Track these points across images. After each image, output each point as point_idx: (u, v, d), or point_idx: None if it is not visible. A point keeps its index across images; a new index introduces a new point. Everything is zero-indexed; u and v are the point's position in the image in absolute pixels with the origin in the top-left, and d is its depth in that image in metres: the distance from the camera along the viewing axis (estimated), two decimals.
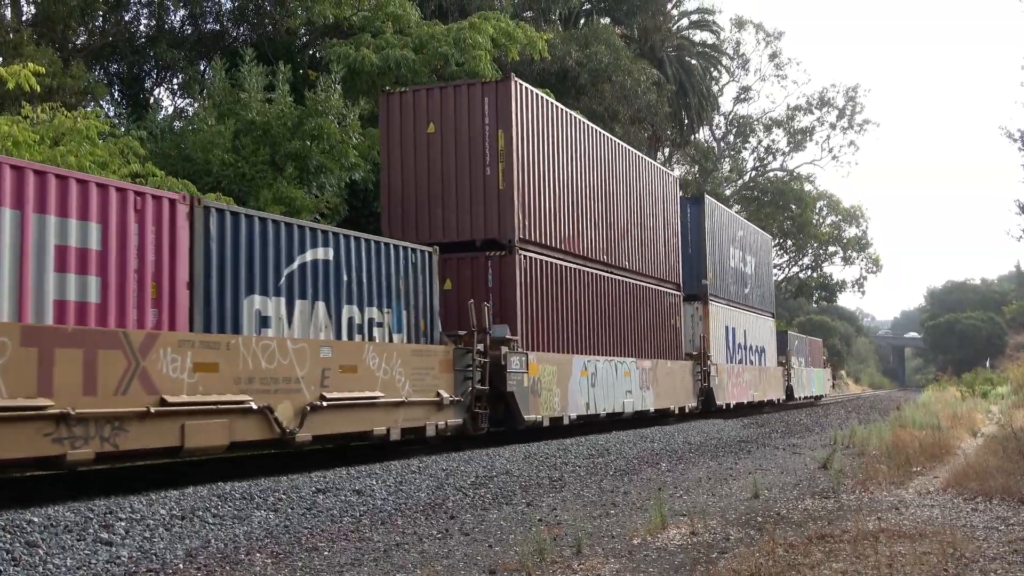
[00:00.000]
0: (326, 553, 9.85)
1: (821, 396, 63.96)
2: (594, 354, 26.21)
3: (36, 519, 9.80)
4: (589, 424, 26.40)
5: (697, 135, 68.39)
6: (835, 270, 79.92)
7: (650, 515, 11.40)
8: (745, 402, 40.50)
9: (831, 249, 78.41)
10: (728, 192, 73.21)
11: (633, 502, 13.48)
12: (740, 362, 40.42)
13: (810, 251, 77.90)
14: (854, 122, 76.05)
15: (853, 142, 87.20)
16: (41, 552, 8.99)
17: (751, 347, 42.26)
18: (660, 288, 33.00)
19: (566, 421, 23.76)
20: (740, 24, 75.42)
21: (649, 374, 29.94)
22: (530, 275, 22.58)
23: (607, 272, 28.06)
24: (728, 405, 37.83)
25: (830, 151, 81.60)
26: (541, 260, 23.29)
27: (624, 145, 31.10)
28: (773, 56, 76.35)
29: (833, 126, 76.34)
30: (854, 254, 79.00)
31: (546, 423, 22.63)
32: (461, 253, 22.37)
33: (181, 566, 9.14)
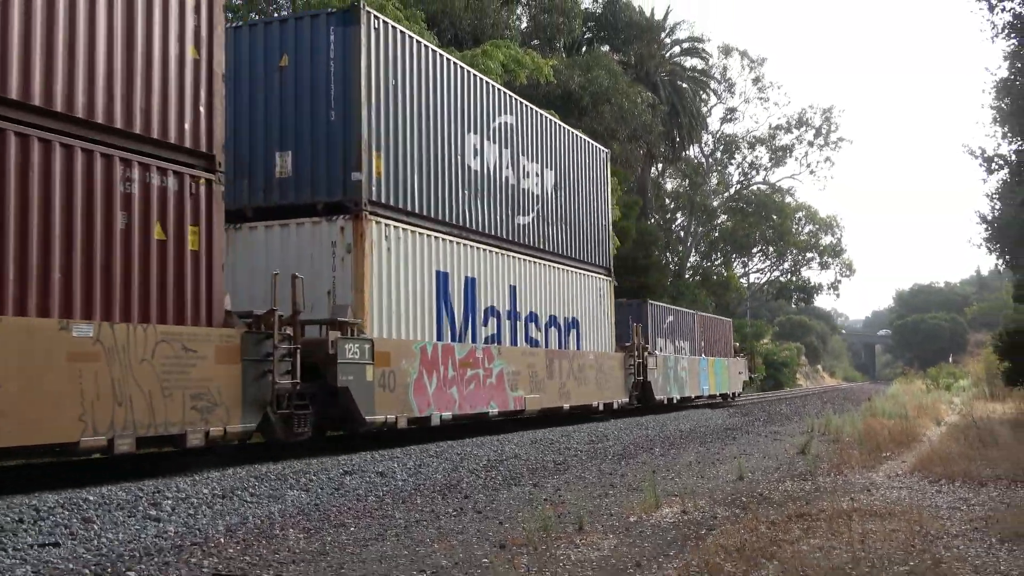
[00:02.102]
0: (352, 529, 9.87)
1: (730, 395, 46.31)
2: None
3: (91, 497, 9.85)
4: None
5: (687, 152, 68.38)
6: (812, 274, 79.83)
7: (645, 495, 11.40)
8: (492, 412, 20.82)
9: (809, 255, 78.29)
10: (715, 203, 73.21)
11: (629, 483, 13.49)
12: (494, 341, 21.26)
13: (789, 257, 77.80)
14: (829, 140, 75.87)
15: (829, 158, 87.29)
16: (96, 527, 9.04)
17: (538, 318, 23.64)
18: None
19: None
20: (727, 51, 75.28)
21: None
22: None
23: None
24: (434, 419, 18.78)
25: (808, 166, 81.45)
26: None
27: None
28: (756, 80, 76.27)
29: (811, 144, 76.13)
30: (829, 260, 78.89)
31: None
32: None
33: (222, 540, 9.16)
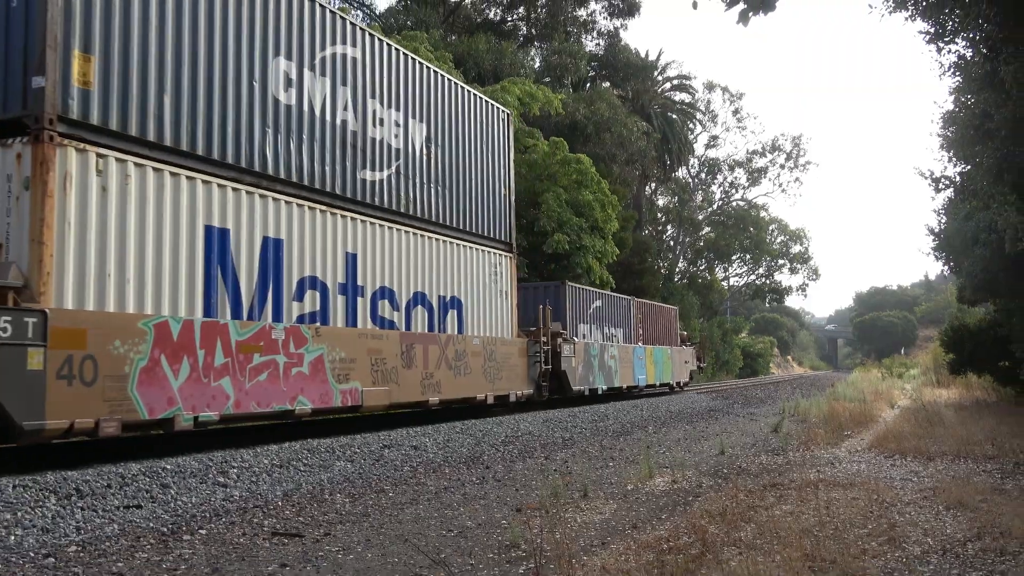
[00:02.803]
0: (391, 494, 9.88)
1: (676, 385, 35.75)
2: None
3: (168, 466, 9.87)
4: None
5: (677, 173, 68.04)
6: (783, 278, 79.15)
7: (640, 467, 11.38)
8: (300, 410, 13.33)
9: (780, 262, 77.88)
10: (700, 217, 73.05)
11: (627, 456, 13.46)
12: (316, 320, 14.33)
13: (764, 263, 77.36)
14: (799, 163, 75.32)
15: (798, 178, 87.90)
16: (172, 492, 9.06)
17: (395, 295, 16.83)
18: None
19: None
20: (711, 87, 75.04)
21: None
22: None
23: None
24: (181, 423, 11.36)
25: (780, 186, 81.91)
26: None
27: None
28: (736, 112, 76.15)
29: (782, 166, 75.79)
30: (798, 265, 78.34)
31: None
32: None
33: (280, 503, 9.19)
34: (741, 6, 5.97)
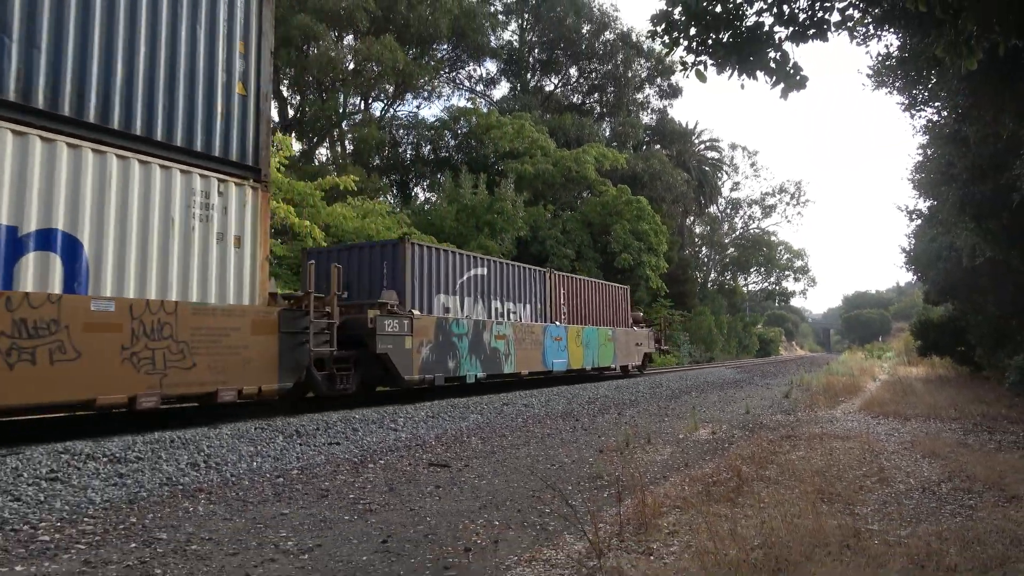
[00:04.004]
0: (509, 438, 9.87)
1: (629, 367, 23.61)
2: None
3: (357, 415, 10.07)
4: None
5: (709, 209, 66.50)
6: (789, 284, 76.65)
7: (687, 422, 11.12)
8: None
9: (786, 273, 75.33)
10: (727, 241, 71.19)
11: (677, 414, 13.16)
12: None
13: (774, 274, 74.89)
14: (800, 201, 72.74)
15: (800, 212, 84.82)
16: (360, 434, 9.25)
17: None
18: None
19: None
20: (734, 147, 73.51)
21: None
22: None
23: None
24: None
25: (786, 218, 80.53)
26: None
27: None
28: (752, 164, 74.98)
29: (788, 203, 73.44)
30: (800, 275, 75.73)
31: None
32: None
33: (433, 443, 9.28)
34: (781, 87, 5.83)
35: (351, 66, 34.88)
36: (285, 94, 36.63)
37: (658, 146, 53.98)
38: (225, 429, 8.32)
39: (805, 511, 5.27)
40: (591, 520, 5.00)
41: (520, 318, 17.24)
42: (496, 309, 16.29)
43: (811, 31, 5.76)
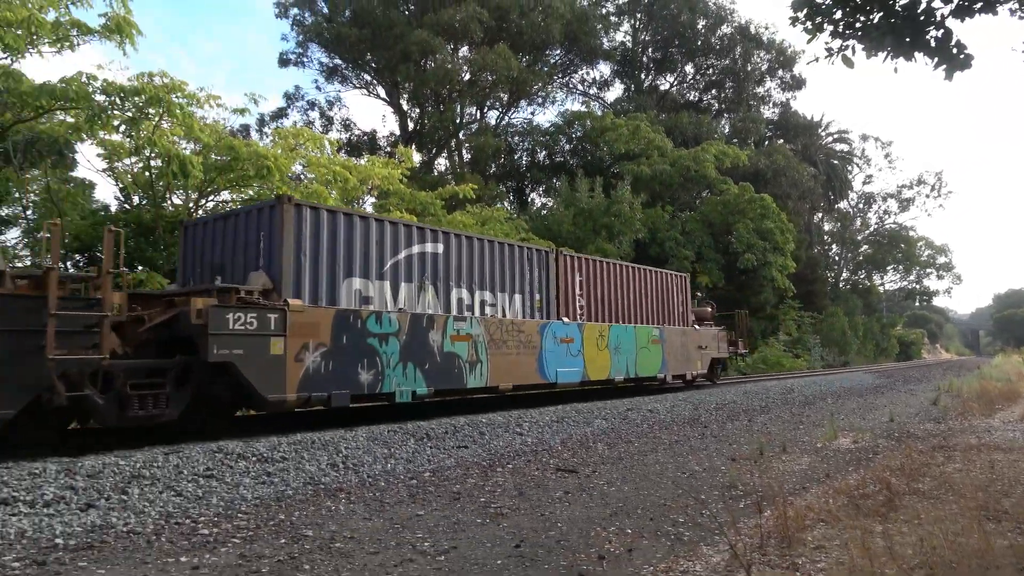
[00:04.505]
0: (635, 444, 9.72)
1: (666, 379, 16.74)
2: None
3: (483, 419, 10.22)
4: None
5: (839, 205, 62.97)
6: (931, 283, 71.33)
7: (825, 430, 10.53)
8: None
9: (928, 270, 70.10)
10: (860, 238, 67.14)
11: (813, 421, 12.49)
12: None
13: (914, 272, 69.85)
14: (941, 193, 67.51)
15: (941, 205, 78.75)
16: (486, 438, 9.38)
17: None
18: None
19: None
20: (865, 137, 69.49)
21: None
22: None
23: None
24: None
25: (926, 211, 74.96)
26: None
27: None
28: (887, 155, 70.42)
29: (927, 196, 68.35)
30: (943, 273, 70.30)
31: None
32: None
33: (559, 448, 9.27)
34: (943, 68, 5.42)
35: (466, 77, 35.67)
36: (405, 107, 37.97)
37: (781, 140, 51.75)
38: (361, 431, 8.67)
39: (969, 529, 4.84)
40: (730, 531, 4.81)
41: (502, 312, 12.28)
42: (460, 301, 11.55)
43: (978, 4, 5.31)
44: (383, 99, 38.75)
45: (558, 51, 42.17)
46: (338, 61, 37.67)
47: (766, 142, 50.44)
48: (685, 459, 8.50)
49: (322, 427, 9.40)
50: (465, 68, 35.76)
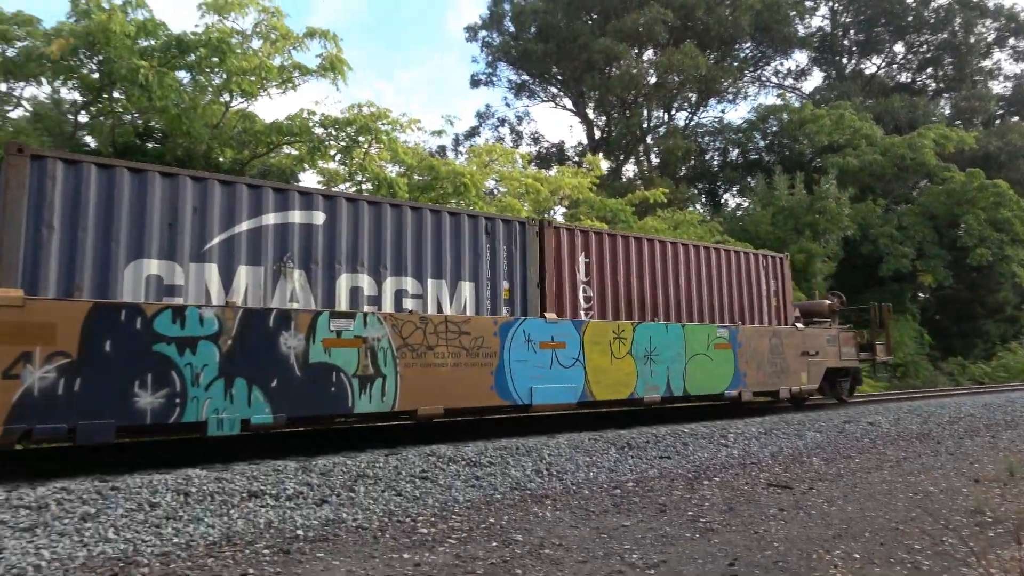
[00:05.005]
0: (857, 460, 8.93)
1: (738, 397, 11.41)
2: None
3: (686, 429, 9.90)
4: None
5: None
6: None
7: None
8: None
9: None
10: None
11: None
12: None
13: None
14: None
15: None
16: (690, 448, 9.09)
17: None
18: None
19: None
20: None
21: None
22: None
23: None
24: None
25: None
26: None
27: None
28: None
29: None
30: None
31: None
32: None
33: (769, 462, 8.76)
34: None
35: (652, 80, 35.19)
36: (591, 116, 38.25)
37: (1016, 118, 45.57)
38: (562, 439, 8.77)
39: None
40: (981, 561, 4.25)
41: (436, 306, 8.93)
42: (357, 291, 8.37)
43: None
44: (570, 110, 39.34)
45: (748, 44, 40.35)
46: (525, 77, 38.82)
47: (997, 121, 44.67)
48: (917, 478, 7.67)
49: (523, 434, 9.62)
50: (650, 71, 35.32)
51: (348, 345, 7.83)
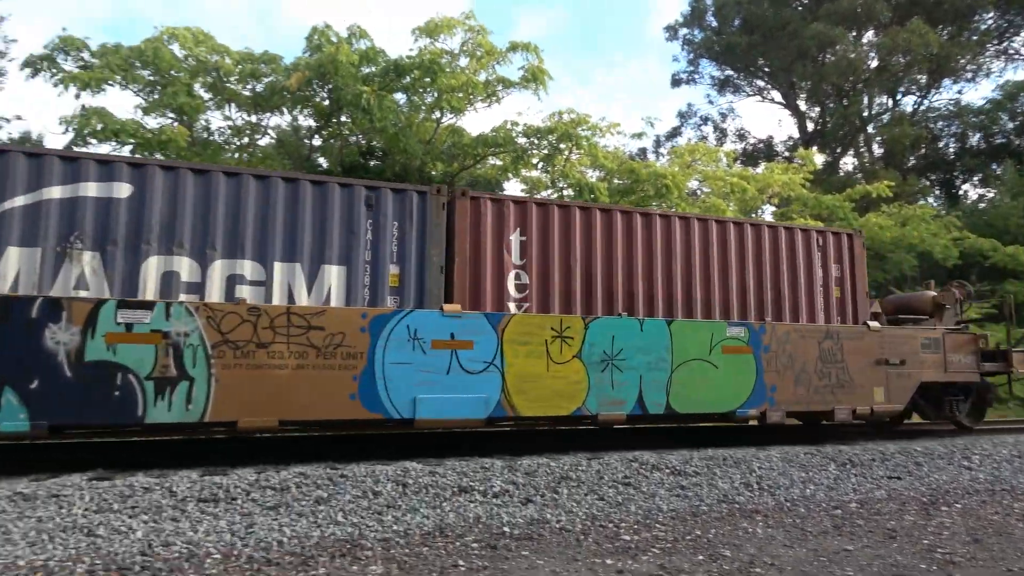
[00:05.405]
0: None
1: (760, 416, 8.54)
2: None
3: (918, 448, 8.92)
4: None
5: None
6: None
7: None
8: None
9: None
10: None
11: None
12: None
13: None
14: None
15: None
16: (925, 469, 8.14)
17: None
18: None
19: None
20: None
21: None
22: None
23: None
24: None
25: None
26: None
27: None
28: None
29: None
30: None
31: None
32: None
33: (1023, 489, 7.61)
34: None
35: (873, 63, 32.24)
36: (803, 108, 35.85)
37: None
38: (774, 451, 8.26)
39: None
40: None
41: (286, 295, 7.54)
42: (171, 276, 7.19)
43: None
44: (778, 103, 37.19)
45: (991, 14, 35.55)
46: (729, 72, 37.32)
47: None
48: None
49: (731, 444, 9.19)
50: (871, 54, 32.38)
51: (141, 341, 6.42)
